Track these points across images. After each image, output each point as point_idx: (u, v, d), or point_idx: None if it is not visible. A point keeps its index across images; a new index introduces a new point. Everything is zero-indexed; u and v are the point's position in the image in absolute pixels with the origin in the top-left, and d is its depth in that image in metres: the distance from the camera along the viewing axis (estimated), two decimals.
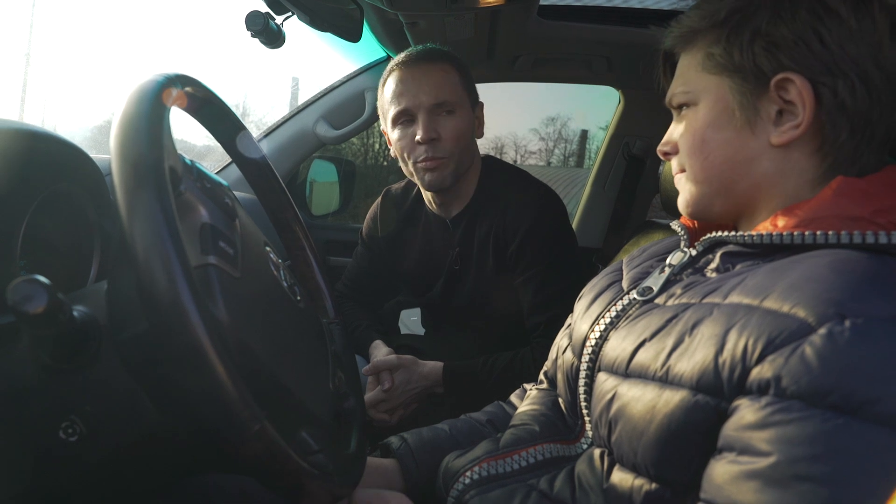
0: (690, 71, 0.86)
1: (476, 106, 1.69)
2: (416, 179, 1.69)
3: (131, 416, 0.64)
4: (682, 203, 0.92)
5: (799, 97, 0.76)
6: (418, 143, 1.57)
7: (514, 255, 1.63)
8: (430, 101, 1.56)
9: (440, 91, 1.57)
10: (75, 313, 0.61)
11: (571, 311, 1.05)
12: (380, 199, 1.94)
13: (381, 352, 1.72)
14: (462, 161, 1.65)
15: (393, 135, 1.63)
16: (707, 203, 0.87)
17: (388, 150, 1.73)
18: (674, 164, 0.93)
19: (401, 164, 1.69)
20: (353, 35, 1.61)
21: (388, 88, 1.62)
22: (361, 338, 1.82)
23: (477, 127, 1.70)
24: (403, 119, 1.60)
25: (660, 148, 0.94)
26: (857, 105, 0.75)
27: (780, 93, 0.78)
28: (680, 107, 0.89)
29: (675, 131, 0.91)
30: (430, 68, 1.59)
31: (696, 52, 0.85)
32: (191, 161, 0.74)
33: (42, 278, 0.53)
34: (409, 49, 1.62)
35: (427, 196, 1.77)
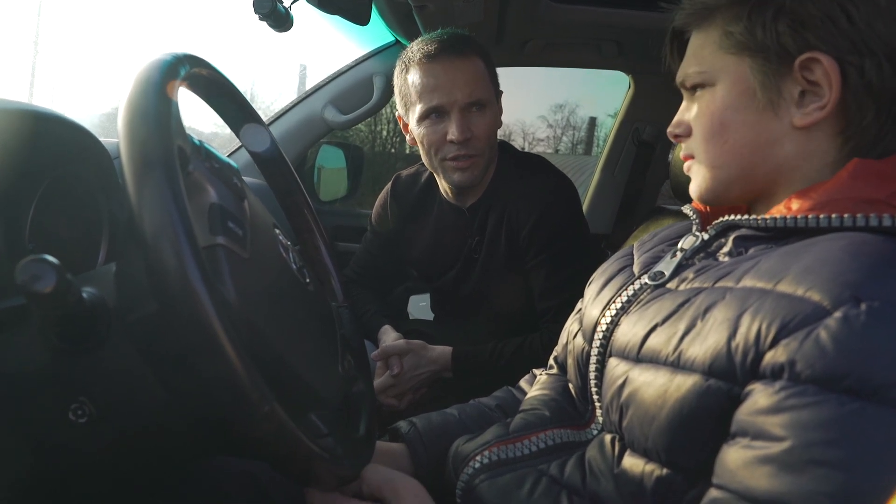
0: (706, 50, 0.84)
1: (499, 96, 1.67)
2: (439, 174, 1.67)
3: (140, 398, 0.64)
4: (695, 189, 0.89)
5: (825, 78, 0.74)
6: (451, 141, 1.55)
7: (526, 240, 1.63)
8: (465, 98, 1.53)
9: (474, 88, 1.54)
10: (84, 295, 0.61)
11: (582, 296, 1.04)
12: (389, 185, 1.93)
13: (389, 337, 1.72)
14: (491, 156, 1.65)
15: (419, 129, 1.59)
16: (724, 189, 0.86)
17: (396, 136, 1.72)
18: (683, 147, 0.90)
19: (424, 157, 1.66)
20: (361, 18, 1.59)
21: (414, 80, 1.57)
22: (370, 323, 1.82)
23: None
24: (433, 115, 1.57)
25: (671, 130, 0.91)
26: (885, 85, 0.73)
27: (804, 73, 0.76)
28: (694, 88, 0.86)
29: (688, 113, 0.88)
30: (462, 63, 1.55)
31: (712, 30, 0.83)
32: (199, 141, 0.73)
33: (51, 258, 0.53)
34: (432, 36, 1.58)
35: (444, 185, 1.75)
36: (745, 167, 0.82)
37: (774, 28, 0.76)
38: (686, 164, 0.90)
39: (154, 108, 0.58)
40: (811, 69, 0.75)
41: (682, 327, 0.72)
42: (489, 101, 1.59)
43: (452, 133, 1.53)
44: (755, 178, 0.83)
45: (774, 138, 0.80)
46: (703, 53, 0.84)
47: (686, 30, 0.89)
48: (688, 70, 0.86)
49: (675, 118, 0.91)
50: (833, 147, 0.78)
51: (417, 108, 1.57)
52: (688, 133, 0.88)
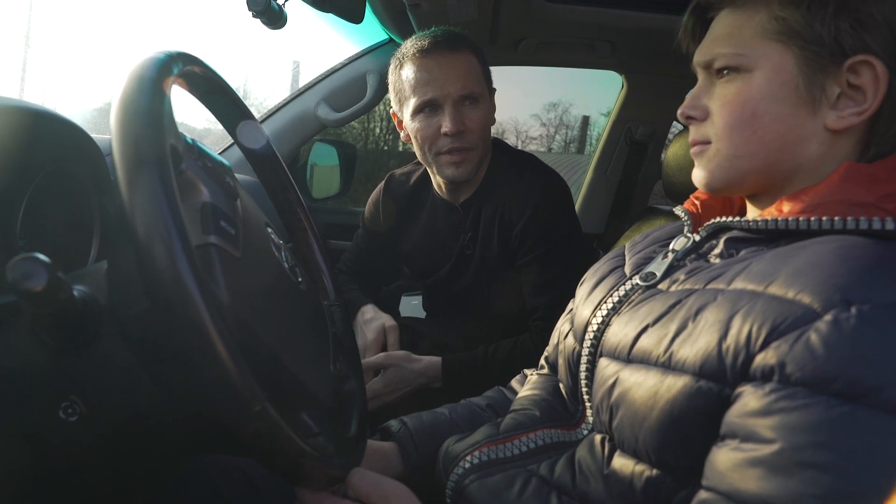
0: (745, 32, 0.79)
1: (492, 93, 1.68)
2: (433, 169, 1.67)
3: (131, 396, 0.64)
4: (705, 176, 0.85)
5: (872, 83, 0.73)
6: (444, 134, 1.56)
7: (518, 238, 1.63)
8: (458, 91, 1.54)
9: (467, 81, 1.56)
10: (75, 293, 0.61)
11: (573, 294, 1.04)
12: (383, 183, 1.93)
13: (368, 316, 1.69)
14: (485, 150, 1.65)
15: (413, 124, 1.60)
16: (739, 179, 0.83)
17: (390, 133, 1.72)
18: (694, 132, 0.86)
19: (418, 152, 1.67)
20: (355, 16, 1.59)
21: (407, 75, 1.58)
22: (350, 300, 1.80)
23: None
24: (427, 109, 1.58)
25: (683, 111, 0.86)
26: None
27: (849, 75, 0.74)
28: (721, 70, 0.82)
29: (707, 96, 0.85)
30: (455, 57, 1.56)
31: (757, 12, 0.79)
32: (192, 140, 0.73)
33: (42, 256, 0.53)
34: (426, 33, 1.59)
35: (437, 181, 1.76)
36: (769, 162, 0.80)
37: (834, 23, 0.73)
38: (695, 149, 0.86)
39: (147, 105, 0.58)
40: (858, 72, 0.74)
41: (673, 328, 0.72)
42: (482, 95, 1.60)
43: (446, 126, 1.54)
44: (773, 173, 0.81)
45: (804, 137, 0.78)
46: (741, 35, 0.80)
47: (716, 7, 0.85)
48: (720, 50, 0.82)
49: (690, 99, 0.86)
50: (853, 153, 0.77)
51: (411, 103, 1.58)
52: (703, 116, 0.85)
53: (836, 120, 0.76)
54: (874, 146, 0.76)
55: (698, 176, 0.87)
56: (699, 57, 0.85)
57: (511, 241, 1.65)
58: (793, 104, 0.77)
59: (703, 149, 0.85)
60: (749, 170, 0.81)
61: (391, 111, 1.74)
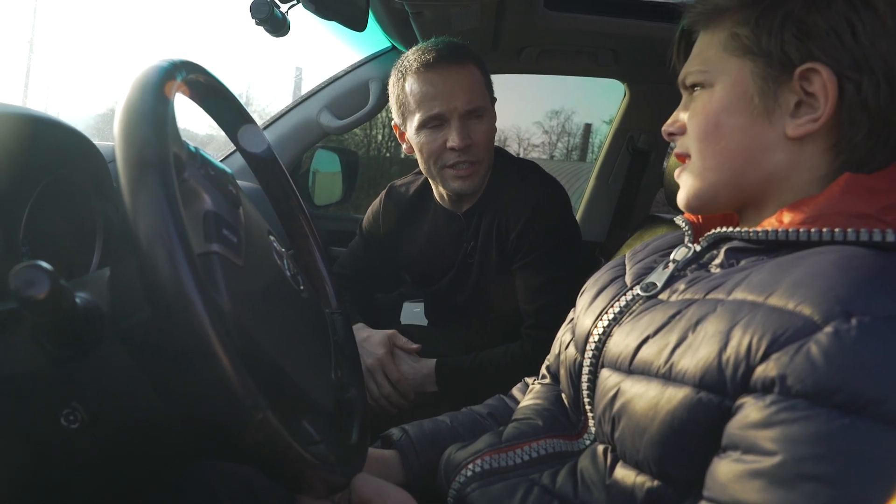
0: (710, 50, 0.84)
1: (494, 102, 1.69)
2: (438, 181, 1.67)
3: (133, 403, 0.64)
4: (682, 195, 0.89)
5: (822, 90, 0.74)
6: (451, 149, 1.55)
7: (513, 244, 1.63)
8: (464, 106, 1.54)
9: (472, 96, 1.56)
10: (78, 300, 0.61)
11: (567, 302, 1.04)
12: (383, 194, 1.93)
13: (372, 340, 1.69)
14: (490, 162, 1.65)
15: (418, 138, 1.60)
16: (712, 194, 0.85)
17: (392, 140, 1.71)
18: (678, 145, 0.90)
19: (422, 165, 1.67)
20: (358, 24, 1.59)
21: (412, 88, 1.57)
22: None
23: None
24: (433, 123, 1.57)
25: (665, 127, 0.91)
26: (880, 104, 0.73)
27: (802, 83, 0.76)
28: (693, 87, 0.86)
29: (684, 112, 0.88)
30: (460, 71, 1.56)
31: (720, 31, 0.83)
32: (195, 148, 0.73)
33: (44, 264, 0.53)
34: (428, 45, 1.59)
35: (440, 192, 1.76)
36: (735, 172, 0.82)
37: (780, 35, 0.76)
38: (678, 171, 0.90)
39: (152, 111, 0.58)
40: (810, 80, 0.75)
41: (673, 339, 0.72)
42: (486, 108, 1.60)
43: (453, 140, 1.54)
44: (744, 185, 0.83)
45: (766, 146, 0.80)
46: (707, 53, 0.84)
47: (695, 30, 0.88)
48: (690, 68, 0.86)
49: (671, 116, 0.91)
50: (824, 161, 0.78)
51: (416, 117, 1.58)
52: (682, 132, 0.88)
53: (794, 128, 0.77)
54: (844, 153, 0.77)
55: (679, 197, 0.90)
56: (679, 76, 0.89)
57: (508, 247, 1.66)
58: (751, 115, 0.80)
59: (681, 169, 0.89)
60: (719, 182, 0.84)
61: (392, 123, 1.73)
